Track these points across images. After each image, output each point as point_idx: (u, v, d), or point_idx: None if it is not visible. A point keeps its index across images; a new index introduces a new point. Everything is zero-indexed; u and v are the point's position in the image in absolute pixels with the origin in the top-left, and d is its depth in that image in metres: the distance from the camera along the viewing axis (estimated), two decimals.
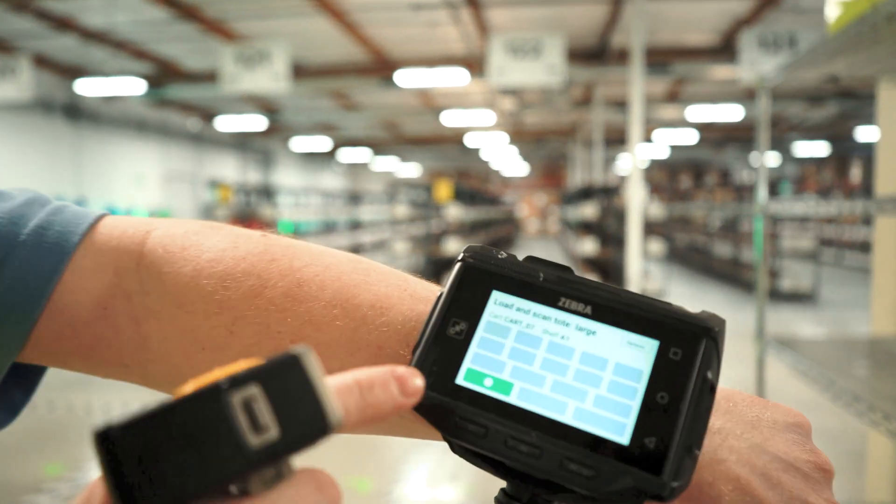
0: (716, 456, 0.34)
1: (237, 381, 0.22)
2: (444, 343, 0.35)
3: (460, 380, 0.34)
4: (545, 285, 0.35)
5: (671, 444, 0.30)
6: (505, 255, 0.37)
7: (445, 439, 0.34)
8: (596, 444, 0.31)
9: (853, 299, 8.10)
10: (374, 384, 0.26)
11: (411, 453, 3.22)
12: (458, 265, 0.37)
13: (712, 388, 0.32)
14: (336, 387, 0.25)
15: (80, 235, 0.42)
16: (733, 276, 9.46)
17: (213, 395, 0.22)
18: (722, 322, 0.33)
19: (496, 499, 0.35)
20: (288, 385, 0.23)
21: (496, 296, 0.35)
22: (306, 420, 0.23)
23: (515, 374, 0.33)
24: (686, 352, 0.32)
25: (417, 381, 0.28)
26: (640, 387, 0.32)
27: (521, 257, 0.37)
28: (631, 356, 0.33)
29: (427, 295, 0.40)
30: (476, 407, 0.33)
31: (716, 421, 0.35)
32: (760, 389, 2.21)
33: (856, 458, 2.79)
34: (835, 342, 2.29)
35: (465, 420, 0.33)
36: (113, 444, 0.21)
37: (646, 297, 0.34)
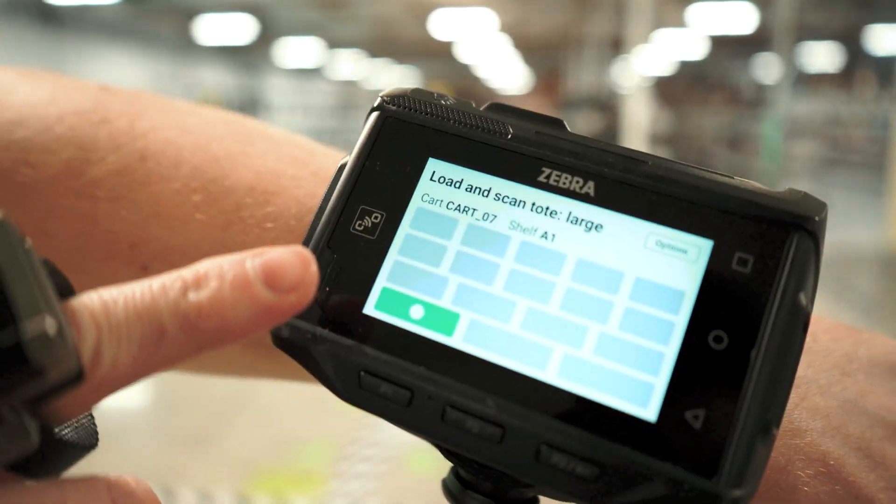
0: (791, 423, 0.22)
1: None
2: (345, 246, 0.21)
3: (370, 308, 0.20)
4: (517, 148, 0.21)
5: (734, 421, 0.17)
6: (453, 100, 0.22)
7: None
8: (599, 419, 0.18)
9: (861, 214, 8.00)
10: (207, 277, 0.15)
11: None
12: (371, 117, 0.22)
13: (806, 324, 0.18)
14: (127, 293, 0.15)
15: None
16: None
17: None
18: (823, 207, 0.19)
19: (444, 483, 0.22)
20: None
21: (434, 166, 0.21)
22: None
23: (463, 299, 0.19)
24: (761, 259, 0.18)
25: (307, 266, 0.16)
26: (679, 321, 0.18)
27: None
28: (663, 268, 0.19)
29: None
30: (395, 354, 0.19)
31: None
32: None
33: None
34: (846, 256, 2.18)
35: (374, 376, 0.19)
36: None
37: (689, 165, 0.20)
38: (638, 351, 0.18)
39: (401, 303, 0.20)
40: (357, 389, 0.19)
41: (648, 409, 0.18)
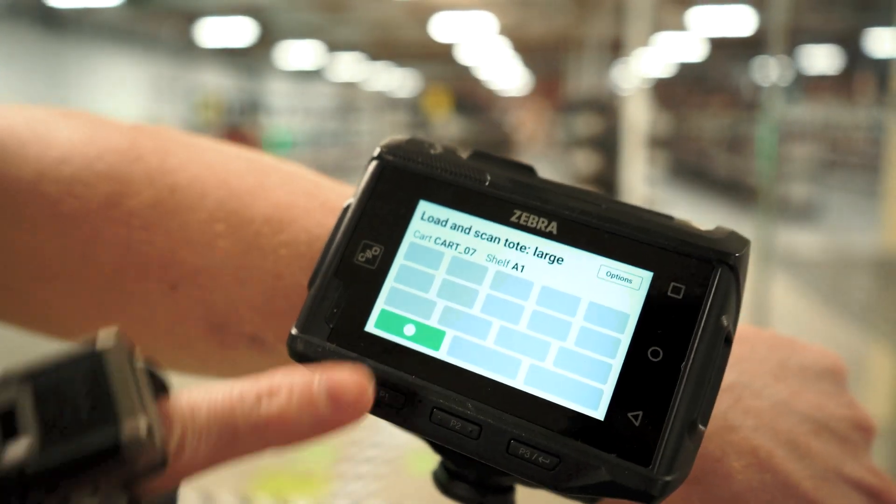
0: (726, 421, 0.25)
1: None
2: (349, 274, 0.25)
3: (370, 326, 0.24)
4: (493, 192, 0.25)
5: (666, 421, 0.21)
6: (441, 149, 0.26)
7: None
8: (558, 418, 0.22)
9: (858, 217, 8.00)
10: (279, 390, 0.19)
11: None
12: (371, 165, 0.26)
13: (728, 339, 0.22)
14: (212, 398, 0.18)
15: None
16: (738, 191, 9.32)
17: None
18: (745, 244, 0.23)
19: (434, 474, 0.26)
20: (72, 386, 0.17)
21: (424, 207, 0.25)
22: (81, 432, 0.16)
23: (448, 319, 0.23)
24: (691, 287, 0.22)
25: (364, 390, 0.20)
26: (624, 338, 0.22)
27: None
28: (612, 294, 0.23)
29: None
30: (391, 365, 0.23)
31: (728, 373, 0.25)
32: (764, 318, 2.14)
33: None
34: (840, 259, 2.21)
35: (375, 383, 0.23)
36: None
37: (636, 208, 0.24)
38: (590, 362, 0.22)
39: (396, 322, 0.24)
40: None
41: (598, 411, 0.21)
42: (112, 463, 0.16)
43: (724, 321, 0.22)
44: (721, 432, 0.25)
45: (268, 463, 2.29)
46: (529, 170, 0.25)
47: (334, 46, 12.59)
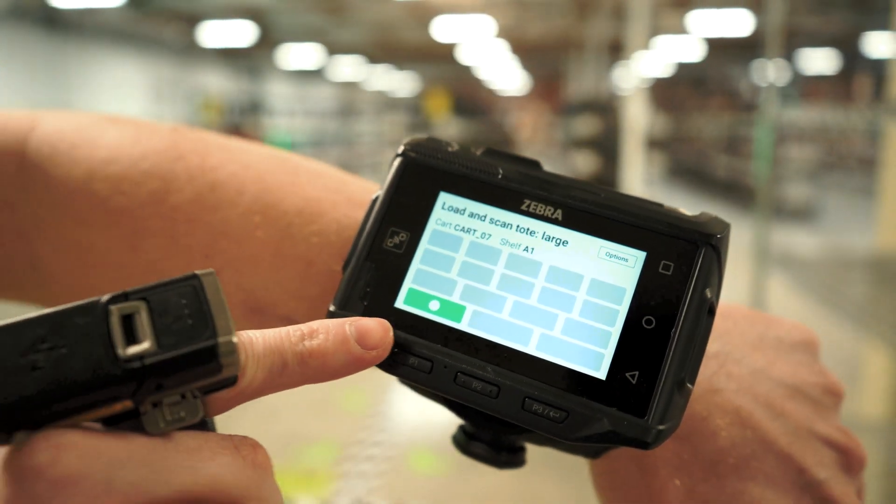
0: (711, 385, 0.28)
1: (118, 297, 0.21)
2: (379, 258, 0.28)
3: (400, 303, 0.27)
4: (505, 184, 0.28)
5: (658, 379, 0.24)
6: (457, 147, 0.29)
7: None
8: (566, 379, 0.25)
9: (854, 217, 8.03)
10: (318, 331, 0.23)
11: None
12: (396, 161, 0.29)
13: (711, 310, 0.25)
14: (265, 334, 0.22)
15: None
16: (736, 192, 9.35)
17: (91, 307, 0.20)
18: (725, 226, 0.26)
19: (453, 437, 0.29)
20: (178, 304, 0.21)
21: (444, 198, 0.28)
22: (188, 336, 0.20)
23: (468, 296, 0.27)
24: (679, 265, 0.26)
25: (386, 333, 0.25)
26: (622, 309, 0.25)
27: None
28: (611, 272, 0.26)
29: (368, 199, 0.33)
30: (419, 336, 0.26)
31: (712, 344, 0.29)
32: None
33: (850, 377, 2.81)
34: (837, 259, 2.24)
35: (405, 352, 0.26)
36: None
37: (631, 196, 0.27)
38: (592, 330, 0.25)
39: (422, 299, 0.27)
40: (392, 362, 0.26)
41: (600, 371, 0.25)
42: (207, 367, 0.20)
43: (708, 293, 0.25)
44: (707, 395, 0.28)
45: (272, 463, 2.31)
46: (536, 164, 0.29)
47: (335, 48, 12.64)
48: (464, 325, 0.26)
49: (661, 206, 0.27)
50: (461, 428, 0.29)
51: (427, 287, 0.27)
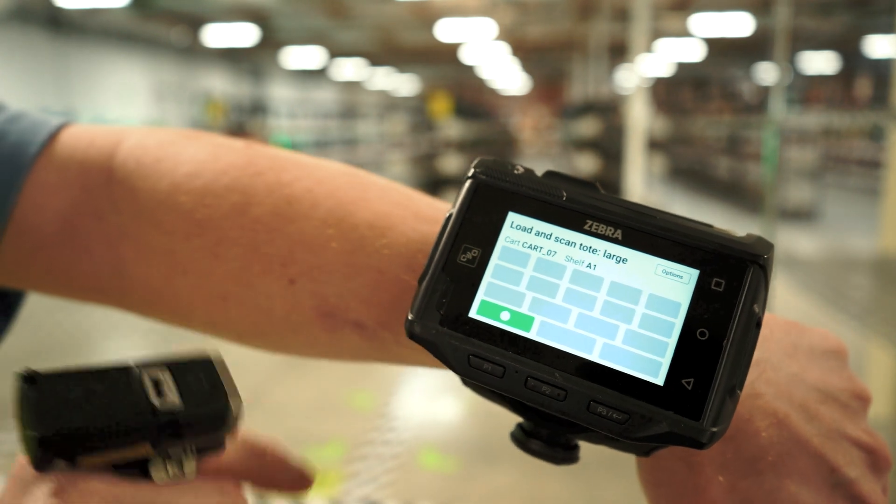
0: (753, 390, 0.31)
1: (147, 364, 0.25)
2: (454, 272, 0.31)
3: (473, 313, 0.30)
4: (569, 206, 0.31)
5: (712, 386, 0.27)
6: (522, 169, 0.32)
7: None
8: (627, 384, 0.28)
9: (855, 217, 8.05)
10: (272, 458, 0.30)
11: (410, 367, 3.26)
12: (468, 183, 0.32)
13: (758, 323, 0.28)
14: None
15: (38, 146, 0.37)
16: (736, 194, 9.37)
17: (125, 370, 0.25)
18: (770, 247, 0.29)
19: (512, 434, 0.32)
20: (195, 375, 0.26)
21: (512, 218, 0.31)
22: (207, 402, 0.26)
23: (536, 307, 0.29)
24: (729, 282, 0.28)
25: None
26: (678, 322, 0.28)
27: (539, 172, 0.32)
28: (667, 287, 0.29)
29: (433, 214, 0.36)
30: (492, 343, 0.29)
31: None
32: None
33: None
34: (839, 261, 2.26)
35: (479, 358, 0.29)
36: (36, 385, 0.23)
37: (684, 218, 0.30)
38: (651, 341, 0.28)
39: (494, 310, 0.30)
40: (467, 367, 0.29)
41: (658, 378, 0.28)
42: (218, 427, 0.26)
43: (756, 309, 0.28)
44: (748, 399, 0.30)
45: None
46: (593, 186, 0.32)
47: (337, 51, 12.65)
48: (532, 335, 0.29)
49: (711, 227, 0.29)
50: (520, 426, 0.32)
51: (498, 299, 0.30)
